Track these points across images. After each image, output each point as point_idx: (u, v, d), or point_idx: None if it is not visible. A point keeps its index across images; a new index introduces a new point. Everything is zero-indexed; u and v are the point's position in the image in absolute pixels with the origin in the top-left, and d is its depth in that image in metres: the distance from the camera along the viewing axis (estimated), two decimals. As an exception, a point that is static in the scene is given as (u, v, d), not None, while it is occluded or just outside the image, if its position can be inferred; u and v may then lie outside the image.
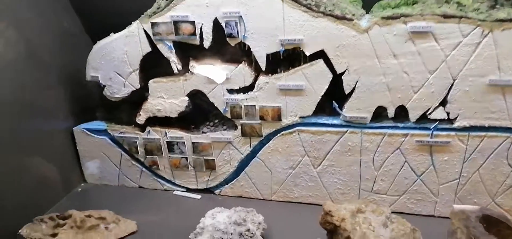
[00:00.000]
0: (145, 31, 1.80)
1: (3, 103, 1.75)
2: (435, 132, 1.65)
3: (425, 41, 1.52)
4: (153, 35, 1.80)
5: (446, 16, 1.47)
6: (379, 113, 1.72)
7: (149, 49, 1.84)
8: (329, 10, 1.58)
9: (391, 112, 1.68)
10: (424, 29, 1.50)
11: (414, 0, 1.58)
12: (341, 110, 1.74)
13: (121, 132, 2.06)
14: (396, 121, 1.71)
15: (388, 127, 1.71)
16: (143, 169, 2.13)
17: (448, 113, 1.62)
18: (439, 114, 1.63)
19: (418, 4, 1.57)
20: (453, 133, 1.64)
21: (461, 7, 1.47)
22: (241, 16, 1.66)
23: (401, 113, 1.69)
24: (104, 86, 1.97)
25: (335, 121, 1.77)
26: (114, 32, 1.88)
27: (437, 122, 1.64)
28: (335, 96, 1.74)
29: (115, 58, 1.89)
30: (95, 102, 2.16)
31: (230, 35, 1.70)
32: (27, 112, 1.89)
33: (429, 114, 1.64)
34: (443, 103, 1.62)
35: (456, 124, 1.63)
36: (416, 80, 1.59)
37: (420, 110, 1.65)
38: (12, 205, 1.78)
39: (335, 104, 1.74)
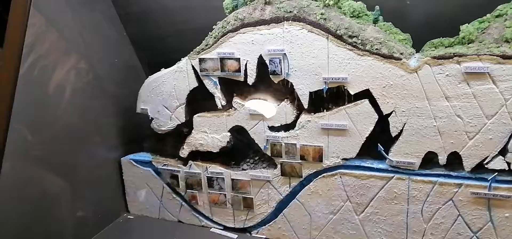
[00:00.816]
0: (193, 66, 1.87)
1: (67, 129, 1.88)
2: (493, 184, 1.49)
3: (482, 83, 1.42)
4: (200, 71, 1.86)
5: (505, 57, 1.37)
6: (430, 159, 1.60)
7: (195, 84, 1.89)
8: (376, 49, 1.53)
9: (442, 159, 1.56)
10: (481, 70, 1.40)
11: (470, 38, 1.49)
12: (387, 154, 1.64)
13: (165, 165, 2.10)
14: (448, 169, 1.57)
15: (439, 175, 1.58)
16: (183, 203, 2.13)
17: (509, 164, 1.46)
18: (499, 164, 1.48)
19: (474, 43, 1.48)
20: (515, 186, 1.47)
21: (523, 47, 1.36)
22: (285, 54, 1.67)
23: (455, 160, 1.55)
24: (152, 118, 2.05)
25: (381, 166, 1.67)
26: (165, 68, 1.97)
27: (496, 173, 1.48)
28: (381, 138, 1.65)
29: (164, 92, 1.97)
30: (144, 134, 2.24)
31: (274, 72, 1.71)
32: (83, 139, 2.01)
33: (487, 163, 1.50)
34: (503, 152, 1.47)
35: (519, 177, 1.46)
36: (471, 125, 1.47)
37: (476, 159, 1.50)
38: (59, 228, 1.86)
39: (381, 147, 1.65)
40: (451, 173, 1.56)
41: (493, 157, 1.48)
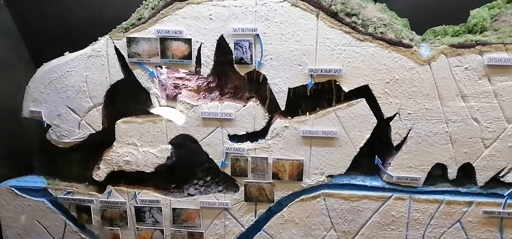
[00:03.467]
0: (117, 50, 1.29)
1: None
2: (509, 201, 1.26)
3: (506, 78, 1.17)
4: (129, 56, 1.29)
5: (535, 47, 1.13)
6: (431, 173, 1.30)
7: (121, 75, 1.32)
8: (380, 32, 1.18)
9: (452, 172, 1.27)
10: (507, 63, 1.14)
11: (483, 26, 1.23)
12: (385, 168, 1.30)
13: (69, 192, 1.46)
14: (456, 185, 1.30)
15: (446, 192, 1.29)
16: (97, 245, 1.51)
17: (527, 176, 1.24)
18: (516, 176, 1.25)
19: (488, 31, 1.22)
20: (532, 202, 1.26)
21: (552, 36, 1.14)
22: (257, 35, 1.21)
23: (459, 174, 1.28)
24: (48, 126, 1.39)
25: (375, 183, 1.33)
26: (71, 51, 1.35)
27: (513, 187, 1.25)
28: (377, 149, 1.31)
29: (69, 87, 1.34)
30: (34, 149, 1.57)
31: (241, 61, 1.24)
32: None
33: (503, 176, 1.25)
34: (522, 162, 1.24)
35: (537, 191, 1.25)
36: (489, 130, 1.21)
37: (491, 171, 1.25)
38: None
39: (378, 160, 1.30)
40: (460, 189, 1.29)
41: (511, 169, 1.24)
